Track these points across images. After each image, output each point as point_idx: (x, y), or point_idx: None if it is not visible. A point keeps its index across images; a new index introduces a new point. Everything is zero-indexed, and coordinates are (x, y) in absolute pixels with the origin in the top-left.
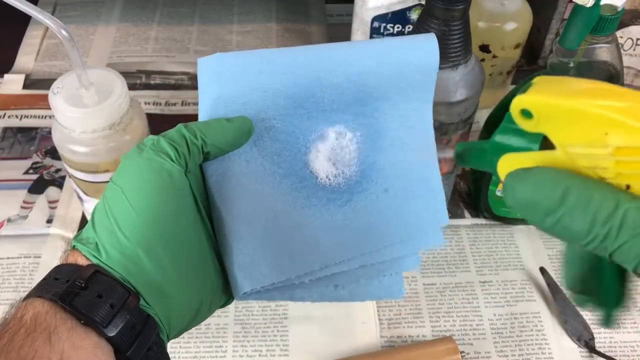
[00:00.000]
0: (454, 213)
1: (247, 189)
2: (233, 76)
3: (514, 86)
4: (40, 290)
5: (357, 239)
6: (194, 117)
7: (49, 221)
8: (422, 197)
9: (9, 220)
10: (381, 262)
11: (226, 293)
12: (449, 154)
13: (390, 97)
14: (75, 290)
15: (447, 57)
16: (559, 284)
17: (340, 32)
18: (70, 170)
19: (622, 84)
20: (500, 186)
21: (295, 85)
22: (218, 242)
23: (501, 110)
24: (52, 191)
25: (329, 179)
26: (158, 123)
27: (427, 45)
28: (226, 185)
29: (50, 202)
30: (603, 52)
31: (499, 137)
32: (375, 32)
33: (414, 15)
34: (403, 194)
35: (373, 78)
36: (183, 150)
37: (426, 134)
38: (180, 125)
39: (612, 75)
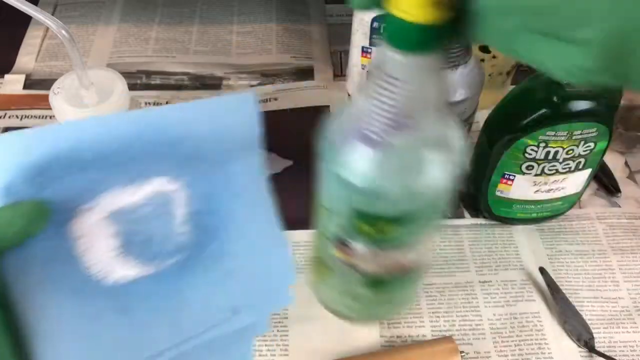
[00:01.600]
0: (453, 213)
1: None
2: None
3: (513, 86)
4: None
5: (183, 321)
6: None
7: None
8: (265, 257)
9: None
10: (222, 337)
11: None
12: None
13: (212, 159)
14: None
15: (447, 58)
16: (558, 284)
17: (340, 32)
18: None
19: None
20: (500, 186)
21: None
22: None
23: (501, 111)
24: None
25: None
26: None
27: (245, 106)
28: (29, 280)
29: None
30: None
31: None
32: (375, 33)
33: None
34: (242, 257)
35: (190, 142)
36: None
37: (259, 189)
38: None
39: None
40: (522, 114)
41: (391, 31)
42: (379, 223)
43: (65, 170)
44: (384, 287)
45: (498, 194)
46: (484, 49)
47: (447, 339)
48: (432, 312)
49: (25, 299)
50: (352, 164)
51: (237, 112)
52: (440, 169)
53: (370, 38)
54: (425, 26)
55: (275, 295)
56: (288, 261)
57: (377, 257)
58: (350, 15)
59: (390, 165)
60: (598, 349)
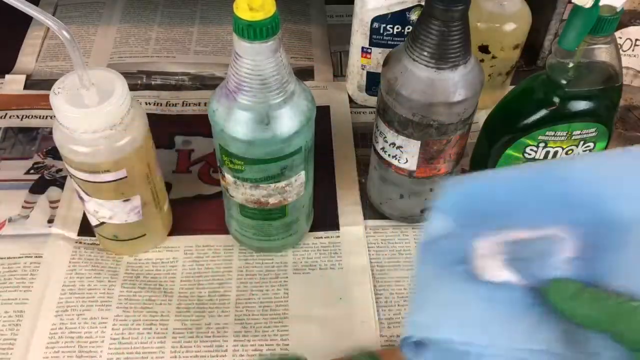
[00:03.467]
0: None
1: None
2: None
3: (513, 87)
4: None
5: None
6: (194, 118)
7: (50, 221)
8: None
9: (10, 220)
10: None
11: None
12: None
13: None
14: None
15: (447, 58)
16: None
17: (340, 32)
18: (71, 171)
19: (621, 85)
20: None
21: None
22: None
23: (501, 111)
24: (53, 191)
25: None
26: (159, 124)
27: None
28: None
29: (51, 202)
30: (602, 53)
31: None
32: (375, 33)
33: (414, 16)
34: None
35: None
36: None
37: None
38: None
39: (611, 75)
40: (521, 114)
41: (236, 26)
42: (234, 159)
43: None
44: (252, 217)
45: None
46: (484, 49)
47: None
48: None
49: None
50: (216, 110)
51: None
52: (281, 124)
53: (370, 38)
54: (253, 22)
55: None
56: None
57: (238, 188)
58: (350, 15)
59: (238, 116)
60: None
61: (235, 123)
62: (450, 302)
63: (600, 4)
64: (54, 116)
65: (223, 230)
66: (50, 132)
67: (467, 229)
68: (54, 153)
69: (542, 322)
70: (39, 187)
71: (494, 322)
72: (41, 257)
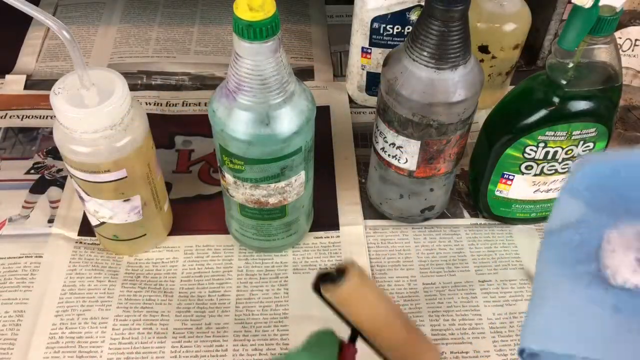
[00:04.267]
0: (452, 213)
1: None
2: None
3: (513, 87)
4: None
5: None
6: (194, 118)
7: (50, 221)
8: None
9: (10, 220)
10: None
11: None
12: None
13: None
14: None
15: (447, 58)
16: None
17: (340, 32)
18: (72, 171)
19: (621, 85)
20: (499, 186)
21: None
22: None
23: (500, 111)
24: (53, 191)
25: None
26: (159, 124)
27: None
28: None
29: (51, 202)
30: (602, 53)
31: None
32: (375, 33)
33: (414, 16)
34: None
35: None
36: None
37: None
38: None
39: (611, 75)
40: (521, 114)
41: (236, 26)
42: (234, 159)
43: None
44: (252, 217)
45: (497, 193)
46: (484, 49)
47: None
48: (432, 312)
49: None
50: (216, 110)
51: None
52: (281, 125)
53: (370, 38)
54: (253, 22)
55: None
56: None
57: (238, 188)
58: (350, 15)
59: (238, 116)
60: None
61: (235, 123)
62: (571, 310)
63: (600, 4)
64: (54, 116)
65: (223, 230)
66: (51, 132)
67: (602, 215)
68: (54, 153)
69: None
70: (39, 187)
71: (620, 338)
72: (41, 257)
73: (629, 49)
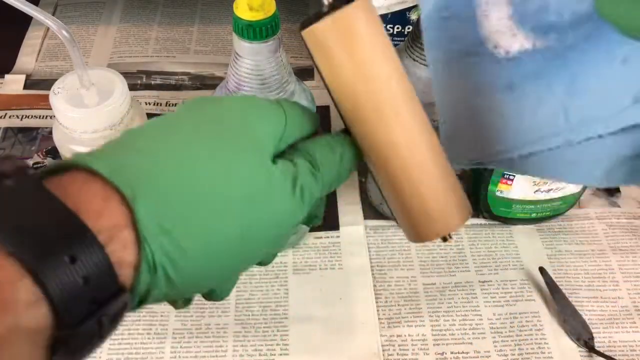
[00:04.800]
0: None
1: None
2: None
3: None
4: None
5: (571, 109)
6: None
7: None
8: None
9: None
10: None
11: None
12: None
13: None
14: None
15: None
16: (558, 283)
17: None
18: None
19: None
20: (500, 186)
21: None
22: None
23: None
24: None
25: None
26: None
27: None
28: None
29: None
30: None
31: None
32: None
33: (414, 16)
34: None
35: None
36: None
37: None
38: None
39: None
40: None
41: (236, 26)
42: None
43: None
44: None
45: (498, 193)
46: None
47: None
48: (432, 312)
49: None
50: None
51: None
52: None
53: None
54: (253, 22)
55: None
56: None
57: None
58: None
59: None
60: (598, 349)
61: None
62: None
63: None
64: (54, 116)
65: None
66: (50, 132)
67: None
68: (54, 153)
69: None
70: None
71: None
72: None
73: None
